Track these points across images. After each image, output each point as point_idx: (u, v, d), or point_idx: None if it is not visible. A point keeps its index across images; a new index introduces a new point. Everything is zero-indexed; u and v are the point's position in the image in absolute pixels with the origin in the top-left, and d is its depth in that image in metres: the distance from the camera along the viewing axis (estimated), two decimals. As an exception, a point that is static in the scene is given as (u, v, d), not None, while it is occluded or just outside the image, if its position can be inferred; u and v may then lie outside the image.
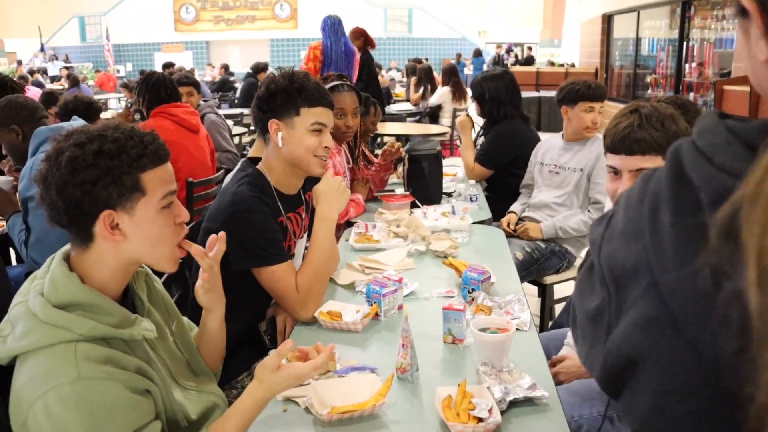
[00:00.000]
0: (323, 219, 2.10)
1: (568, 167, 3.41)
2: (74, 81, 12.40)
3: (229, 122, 7.13)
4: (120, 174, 1.28)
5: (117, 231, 1.31)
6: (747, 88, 7.13)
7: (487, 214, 3.32)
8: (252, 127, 9.11)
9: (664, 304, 0.60)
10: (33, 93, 7.80)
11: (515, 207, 3.69)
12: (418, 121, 9.10)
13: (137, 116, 4.37)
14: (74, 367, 1.18)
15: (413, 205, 3.25)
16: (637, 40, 12.71)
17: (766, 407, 0.49)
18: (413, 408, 1.53)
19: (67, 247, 1.36)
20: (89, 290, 1.28)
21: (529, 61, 20.45)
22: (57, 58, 22.51)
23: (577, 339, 0.80)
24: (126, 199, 1.30)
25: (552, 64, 19.25)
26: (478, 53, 20.56)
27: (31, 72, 16.90)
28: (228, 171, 4.31)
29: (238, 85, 12.71)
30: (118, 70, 22.33)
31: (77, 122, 3.11)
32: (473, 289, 2.09)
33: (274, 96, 2.10)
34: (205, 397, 1.55)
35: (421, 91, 10.12)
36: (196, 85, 5.28)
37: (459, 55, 21.53)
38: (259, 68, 10.83)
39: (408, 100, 10.84)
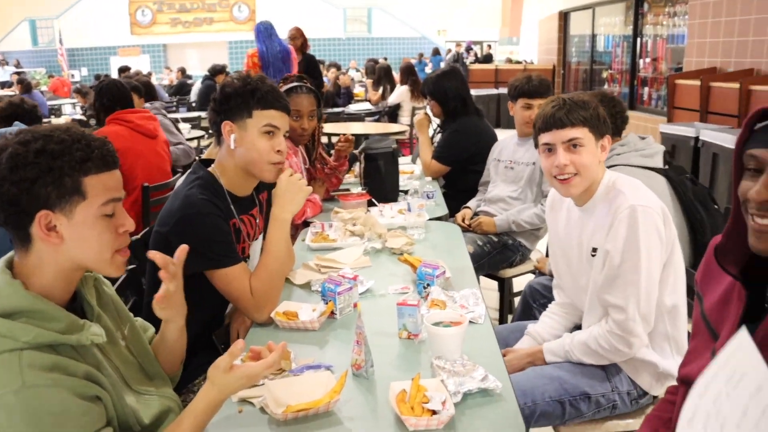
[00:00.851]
0: (276, 220, 2.10)
1: (521, 162, 3.46)
2: (27, 87, 12.12)
3: (186, 125, 7.07)
4: (61, 175, 1.27)
5: (54, 233, 1.29)
6: (698, 82, 7.29)
7: (443, 211, 3.34)
8: (210, 131, 9.11)
9: None
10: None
11: (471, 203, 3.72)
12: (377, 121, 9.11)
13: (93, 122, 4.34)
14: (18, 376, 1.16)
15: (370, 204, 3.26)
16: (593, 37, 12.91)
17: None
18: (368, 404, 1.54)
19: (11, 253, 1.34)
20: (33, 296, 1.26)
21: (488, 58, 20.61)
22: (7, 63, 22.01)
23: None
24: (65, 201, 1.28)
25: (510, 61, 19.41)
26: (436, 52, 20.68)
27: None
28: (186, 168, 4.29)
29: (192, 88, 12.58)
30: (72, 75, 21.92)
31: (16, 128, 3.05)
32: (428, 285, 2.11)
33: (228, 98, 2.09)
34: (159, 402, 1.53)
35: (380, 90, 10.14)
36: (136, 89, 5.25)
37: (421, 55, 21.65)
38: (217, 70, 10.75)
39: (368, 100, 10.85)
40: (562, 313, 2.28)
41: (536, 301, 2.74)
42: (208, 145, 7.65)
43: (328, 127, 6.87)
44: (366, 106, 10.25)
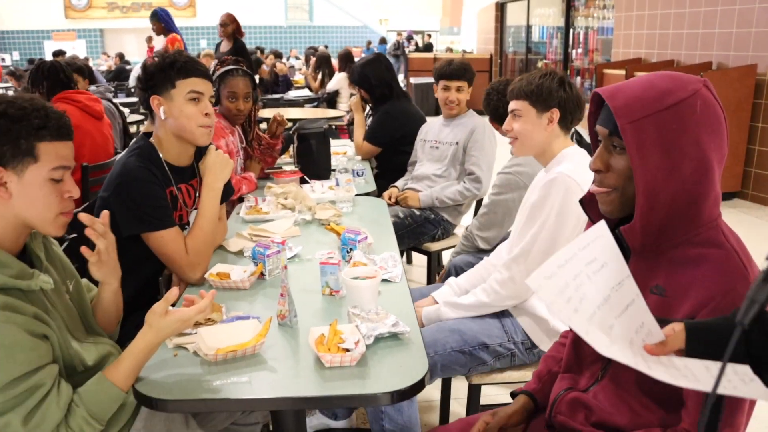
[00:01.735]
0: (210, 189, 2.27)
1: (445, 141, 3.67)
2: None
3: (126, 110, 7.07)
4: (18, 137, 1.42)
5: (3, 188, 1.44)
6: (623, 72, 7.64)
7: (372, 188, 3.53)
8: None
9: None
10: None
11: (398, 182, 3.93)
12: (316, 107, 9.24)
13: None
14: None
15: (302, 181, 3.42)
16: (528, 28, 13.26)
17: None
18: (291, 347, 1.71)
19: None
20: None
21: (428, 48, 20.89)
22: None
23: None
24: (18, 161, 1.44)
25: (451, 50, 19.71)
26: (382, 41, 20.94)
27: None
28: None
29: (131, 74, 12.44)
30: (3, 59, 21.32)
31: None
32: (351, 249, 2.29)
33: (152, 75, 2.25)
34: (101, 348, 1.68)
35: (320, 77, 10.26)
36: (80, 70, 5.27)
37: (369, 43, 21.88)
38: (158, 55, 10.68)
39: (307, 87, 10.95)
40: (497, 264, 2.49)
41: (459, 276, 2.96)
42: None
43: (266, 113, 6.99)
44: (305, 92, 10.36)
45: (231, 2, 24.55)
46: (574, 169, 2.16)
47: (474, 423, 1.67)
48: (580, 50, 11.08)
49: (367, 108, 4.56)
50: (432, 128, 3.84)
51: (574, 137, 2.57)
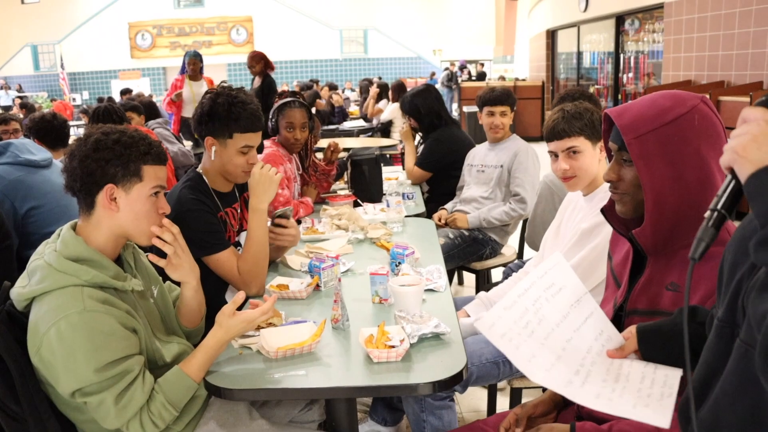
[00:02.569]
0: (254, 211, 2.42)
1: (490, 165, 3.86)
2: (30, 110, 12.56)
3: (189, 143, 7.46)
4: (128, 160, 1.72)
5: (114, 203, 1.72)
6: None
7: (421, 209, 3.72)
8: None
9: None
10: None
11: (447, 205, 4.11)
12: (370, 137, 9.51)
13: None
14: (81, 302, 1.59)
15: (355, 204, 3.63)
16: (579, 54, 13.35)
17: None
18: (343, 346, 1.91)
19: (75, 220, 1.78)
20: (91, 249, 1.70)
21: (481, 76, 21.10)
22: (9, 88, 22.44)
23: None
24: (127, 180, 1.73)
25: (504, 79, 19.88)
26: (432, 75, 21.47)
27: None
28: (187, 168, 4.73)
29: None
30: (74, 99, 22.37)
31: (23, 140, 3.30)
32: (399, 263, 2.48)
33: (213, 119, 2.47)
34: (178, 346, 1.92)
35: (382, 103, 10.59)
36: (135, 108, 5.83)
37: (433, 74, 22.58)
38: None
39: (362, 118, 11.25)
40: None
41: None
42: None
43: (322, 143, 7.29)
44: (360, 123, 10.66)
45: (288, 38, 25.41)
46: None
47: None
48: (630, 74, 11.12)
49: (418, 136, 4.77)
50: (478, 153, 4.03)
51: None
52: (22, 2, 26.03)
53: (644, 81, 10.70)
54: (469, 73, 21.76)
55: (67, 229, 1.74)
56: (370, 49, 27.03)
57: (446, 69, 21.55)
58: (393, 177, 4.58)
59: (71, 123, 14.95)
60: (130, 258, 1.89)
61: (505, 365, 2.36)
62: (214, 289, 2.51)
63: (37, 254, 1.72)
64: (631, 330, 1.39)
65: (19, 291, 1.66)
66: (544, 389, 1.91)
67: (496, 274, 4.14)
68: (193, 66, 8.36)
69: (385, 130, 9.48)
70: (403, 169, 4.78)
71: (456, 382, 1.71)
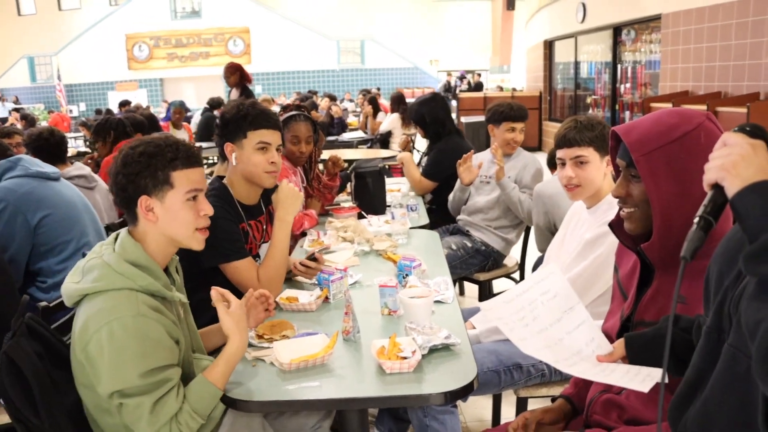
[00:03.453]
0: (281, 221, 2.52)
1: (497, 176, 3.90)
2: (31, 122, 12.61)
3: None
4: (155, 170, 1.75)
5: (151, 213, 1.76)
6: (670, 105, 7.75)
7: (425, 221, 3.75)
8: (209, 159, 9.59)
9: None
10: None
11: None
12: (370, 148, 9.56)
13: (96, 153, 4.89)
14: (135, 306, 1.64)
15: (359, 216, 3.67)
16: (576, 64, 13.42)
17: None
18: (355, 358, 1.94)
19: (126, 228, 1.83)
20: (147, 256, 1.75)
21: (478, 87, 21.17)
22: (6, 100, 22.49)
23: None
24: (159, 189, 1.76)
25: (501, 89, 19.96)
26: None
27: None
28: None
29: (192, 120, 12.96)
30: (70, 111, 22.41)
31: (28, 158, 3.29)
32: (407, 275, 2.51)
33: (226, 123, 2.56)
34: (205, 362, 1.96)
35: (379, 116, 10.67)
36: (140, 125, 5.91)
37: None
38: (216, 103, 11.19)
39: (360, 128, 11.31)
40: None
41: None
42: (209, 174, 8.09)
43: (323, 154, 7.33)
44: (359, 134, 10.70)
45: (285, 49, 25.52)
46: None
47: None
48: (628, 85, 11.19)
49: (416, 149, 4.80)
50: (482, 164, 4.06)
51: None
52: (19, 14, 26.15)
53: (641, 91, 10.76)
54: (469, 83, 21.85)
55: (125, 233, 1.78)
56: (367, 59, 27.16)
57: (446, 79, 21.65)
58: (395, 189, 4.62)
59: (69, 135, 15.04)
60: (173, 271, 1.93)
61: (506, 374, 2.39)
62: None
63: (94, 253, 1.75)
64: (620, 340, 1.48)
65: (73, 286, 1.69)
66: (553, 399, 1.94)
67: (498, 285, 4.17)
68: (178, 115, 9.13)
69: (384, 140, 9.52)
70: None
71: (467, 392, 1.74)
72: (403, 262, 2.55)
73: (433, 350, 1.91)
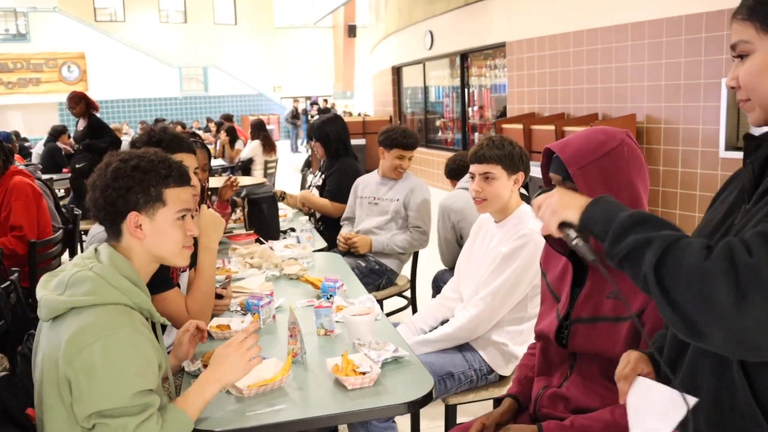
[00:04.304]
0: (205, 249, 2.43)
1: (386, 198, 4.04)
2: None
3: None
4: (148, 186, 1.69)
5: (139, 230, 1.70)
6: (520, 126, 8.28)
7: (323, 243, 3.81)
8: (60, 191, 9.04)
9: None
10: None
11: (343, 231, 4.21)
12: (231, 175, 9.46)
13: None
14: (132, 322, 1.57)
15: (258, 242, 3.66)
16: (425, 89, 13.97)
17: None
18: (311, 378, 1.97)
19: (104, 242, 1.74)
20: (136, 273, 1.68)
21: (326, 112, 21.46)
22: None
23: None
24: (150, 206, 1.71)
25: (350, 114, 20.35)
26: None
27: None
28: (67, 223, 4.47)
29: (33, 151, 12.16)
30: None
31: None
32: (331, 295, 2.57)
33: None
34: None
35: (238, 144, 10.57)
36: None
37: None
38: (58, 131, 10.59)
39: (221, 156, 11.14)
40: (445, 303, 2.83)
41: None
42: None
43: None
44: (219, 161, 10.55)
45: (124, 76, 24.57)
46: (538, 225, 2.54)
47: (468, 428, 1.97)
48: (476, 108, 11.82)
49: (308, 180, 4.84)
50: (368, 186, 4.17)
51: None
52: None
53: (487, 114, 11.41)
54: (319, 108, 22.10)
55: (110, 248, 1.69)
56: (210, 86, 26.72)
57: (292, 106, 21.76)
58: (282, 214, 4.64)
59: None
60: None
61: (440, 384, 2.50)
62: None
63: (77, 266, 1.63)
64: (629, 356, 1.50)
65: (57, 299, 1.58)
66: (495, 404, 2.07)
67: (389, 305, 4.28)
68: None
69: (245, 168, 9.46)
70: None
71: (428, 401, 1.83)
72: (327, 283, 2.60)
73: (384, 364, 1.98)
